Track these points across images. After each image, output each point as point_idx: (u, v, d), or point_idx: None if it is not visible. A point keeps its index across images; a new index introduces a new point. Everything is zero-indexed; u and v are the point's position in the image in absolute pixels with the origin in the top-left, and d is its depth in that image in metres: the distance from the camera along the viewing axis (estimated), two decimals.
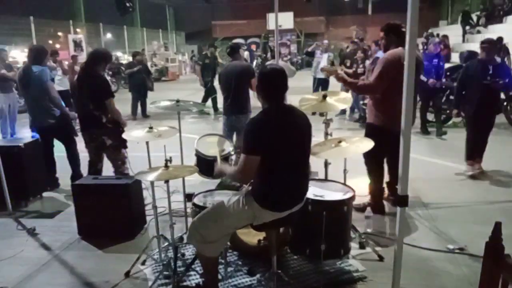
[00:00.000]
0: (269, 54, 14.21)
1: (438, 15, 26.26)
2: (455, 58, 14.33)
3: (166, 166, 2.96)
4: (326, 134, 3.74)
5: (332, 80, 4.91)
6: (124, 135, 3.70)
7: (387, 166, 4.30)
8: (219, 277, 3.01)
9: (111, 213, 3.89)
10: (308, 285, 3.03)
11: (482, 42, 5.42)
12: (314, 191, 3.14)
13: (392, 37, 4.00)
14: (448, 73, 8.49)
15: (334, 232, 3.05)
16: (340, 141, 3.42)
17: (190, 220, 3.33)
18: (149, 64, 17.89)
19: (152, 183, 3.30)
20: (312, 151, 3.26)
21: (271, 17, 5.49)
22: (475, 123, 5.40)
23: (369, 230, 3.89)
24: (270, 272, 2.91)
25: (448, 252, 3.50)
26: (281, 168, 2.54)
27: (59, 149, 5.36)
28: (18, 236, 4.10)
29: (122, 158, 4.62)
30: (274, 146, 2.47)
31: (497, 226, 1.64)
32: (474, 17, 18.31)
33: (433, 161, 6.10)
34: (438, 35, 16.46)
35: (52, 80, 6.02)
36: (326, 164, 3.73)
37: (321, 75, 9.80)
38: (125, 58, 20.77)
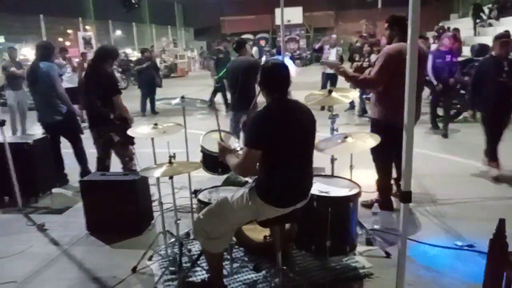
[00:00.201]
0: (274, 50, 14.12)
1: (449, 8, 25.90)
2: (466, 52, 14.13)
3: (170, 163, 2.97)
4: (332, 129, 3.72)
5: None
6: (129, 132, 3.72)
7: (394, 162, 4.26)
8: (225, 273, 3.02)
9: (119, 209, 3.93)
10: (313, 282, 3.03)
11: (499, 37, 5.06)
12: (319, 187, 3.13)
13: (396, 30, 3.95)
14: (459, 67, 8.35)
15: (340, 229, 3.03)
16: (346, 137, 3.40)
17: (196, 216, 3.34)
18: (158, 60, 17.95)
19: (158, 179, 3.32)
20: (318, 146, 3.25)
21: (279, 12, 5.52)
22: (491, 122, 5.11)
23: (376, 227, 3.86)
24: (276, 268, 2.92)
25: (457, 248, 3.46)
26: (284, 164, 2.53)
27: (67, 146, 5.41)
28: (27, 232, 4.16)
29: (129, 154, 4.64)
30: (277, 141, 2.47)
31: (501, 223, 1.61)
32: (485, 9, 18.03)
33: (443, 157, 6.03)
34: (449, 28, 16.25)
35: (61, 76, 6.07)
36: (333, 160, 3.71)
37: (330, 71, 9.72)
38: (134, 55, 20.86)
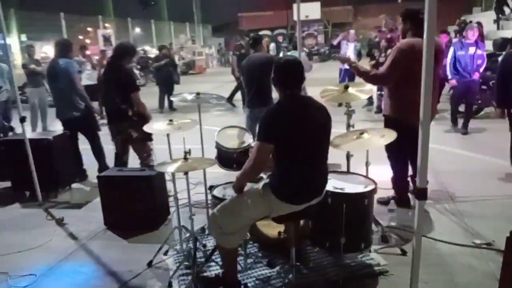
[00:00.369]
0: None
1: (471, 1, 25.30)
2: (488, 46, 13.80)
3: (185, 158, 2.99)
4: (348, 125, 3.68)
5: None
6: (145, 128, 3.75)
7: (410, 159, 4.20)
8: (239, 268, 3.03)
9: (135, 204, 3.98)
10: (327, 278, 3.01)
11: None
12: (334, 184, 3.10)
13: (409, 24, 3.86)
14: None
15: (355, 225, 3.01)
16: (362, 133, 3.36)
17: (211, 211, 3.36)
18: (176, 57, 18.05)
19: (173, 175, 3.35)
20: (333, 143, 3.22)
21: (297, 7, 5.49)
22: None
23: (392, 224, 3.82)
24: (290, 264, 2.91)
25: (474, 247, 3.39)
26: (297, 160, 2.52)
27: (86, 142, 5.49)
28: (47, 226, 4.25)
29: (147, 150, 4.70)
30: (289, 137, 2.46)
31: None
32: (510, 2, 17.53)
33: (462, 154, 5.91)
34: (471, 22, 15.87)
35: (80, 73, 6.17)
36: (348, 156, 3.67)
37: (348, 66, 9.60)
38: (153, 52, 21.06)
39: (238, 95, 10.67)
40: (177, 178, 3.44)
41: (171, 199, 4.30)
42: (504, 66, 5.02)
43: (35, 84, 7.97)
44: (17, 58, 15.99)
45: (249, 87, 5.12)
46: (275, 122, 2.48)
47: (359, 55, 10.40)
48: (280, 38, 26.74)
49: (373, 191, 3.05)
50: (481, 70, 6.90)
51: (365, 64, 9.50)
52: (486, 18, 18.23)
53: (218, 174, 4.46)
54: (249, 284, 2.96)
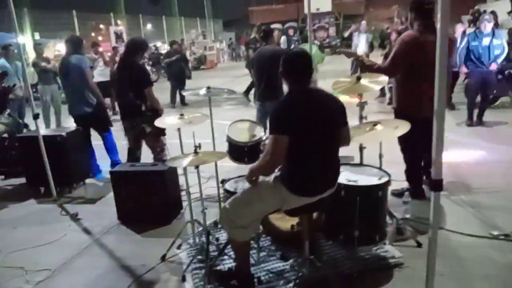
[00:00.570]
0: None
1: None
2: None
3: (196, 152, 2.98)
4: (361, 117, 3.62)
5: None
6: (156, 122, 3.75)
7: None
8: (252, 261, 3.01)
9: (148, 199, 3.99)
10: (341, 272, 2.97)
11: None
12: (347, 176, 3.07)
13: (413, 14, 3.76)
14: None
15: (369, 218, 2.97)
16: (375, 124, 3.31)
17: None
18: (187, 53, 18.07)
19: (185, 169, 3.34)
20: None
21: (307, 0, 5.44)
22: None
23: (407, 216, 3.76)
24: (303, 257, 2.89)
25: (492, 238, 3.33)
26: (307, 152, 2.49)
27: (98, 138, 5.53)
28: (61, 221, 4.30)
29: (161, 145, 4.71)
30: (299, 130, 2.43)
31: None
32: None
33: (477, 144, 5.79)
34: (485, 11, 15.55)
35: (92, 68, 6.21)
36: (361, 148, 3.61)
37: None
38: (164, 48, 21.12)
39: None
40: (189, 172, 3.44)
41: (183, 193, 4.32)
42: None
43: (46, 81, 8.03)
44: (31, 56, 16.16)
45: (259, 80, 5.08)
46: (285, 114, 2.45)
47: (371, 46, 10.27)
48: (291, 32, 26.49)
49: (387, 183, 3.01)
50: (499, 60, 6.55)
51: (377, 55, 9.41)
52: (500, 7, 17.84)
53: (230, 168, 4.44)
54: (262, 278, 2.95)
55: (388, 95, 9.13)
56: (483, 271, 2.95)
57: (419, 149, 3.90)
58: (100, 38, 18.81)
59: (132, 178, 4.08)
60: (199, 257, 3.23)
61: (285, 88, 2.84)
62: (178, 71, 10.94)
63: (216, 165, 3.54)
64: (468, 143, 5.81)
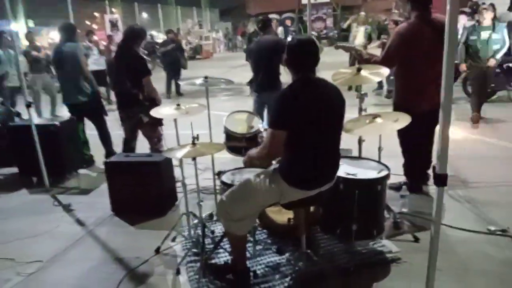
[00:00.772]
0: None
1: None
2: None
3: (193, 144, 2.92)
4: (361, 109, 3.57)
5: None
6: (152, 112, 3.68)
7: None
8: (248, 255, 2.96)
9: (143, 190, 3.93)
10: (338, 266, 2.94)
11: None
12: (346, 169, 3.02)
13: (410, 5, 3.67)
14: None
15: (367, 212, 2.93)
16: (375, 117, 3.25)
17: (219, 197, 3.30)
18: (183, 42, 17.89)
19: (181, 160, 3.28)
20: (345, 127, 3.12)
21: None
22: None
23: (404, 210, 3.73)
24: (299, 251, 2.85)
25: (489, 233, 3.30)
26: (308, 145, 2.43)
27: (92, 127, 5.45)
28: (54, 212, 4.23)
29: (158, 135, 4.65)
30: (300, 122, 2.36)
31: None
32: None
33: (474, 138, 5.77)
34: (483, 3, 15.48)
35: (86, 56, 6.11)
36: (360, 141, 3.57)
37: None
38: (160, 37, 20.91)
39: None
40: (184, 163, 3.37)
41: (178, 184, 4.26)
42: None
43: (37, 70, 7.89)
44: (25, 44, 15.94)
45: (257, 70, 5.01)
46: (287, 106, 2.38)
47: (369, 38, 10.19)
48: (288, 22, 26.36)
49: (387, 177, 2.97)
50: (499, 56, 6.34)
51: (375, 48, 9.33)
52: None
53: (226, 159, 4.39)
54: (258, 271, 2.91)
55: (385, 87, 9.10)
56: (480, 266, 2.92)
57: (417, 143, 3.86)
58: (94, 26, 18.60)
59: (127, 168, 4.02)
60: (194, 250, 3.19)
61: (284, 79, 2.78)
62: (173, 61, 10.83)
63: (212, 157, 3.48)
64: (463, 137, 5.78)
